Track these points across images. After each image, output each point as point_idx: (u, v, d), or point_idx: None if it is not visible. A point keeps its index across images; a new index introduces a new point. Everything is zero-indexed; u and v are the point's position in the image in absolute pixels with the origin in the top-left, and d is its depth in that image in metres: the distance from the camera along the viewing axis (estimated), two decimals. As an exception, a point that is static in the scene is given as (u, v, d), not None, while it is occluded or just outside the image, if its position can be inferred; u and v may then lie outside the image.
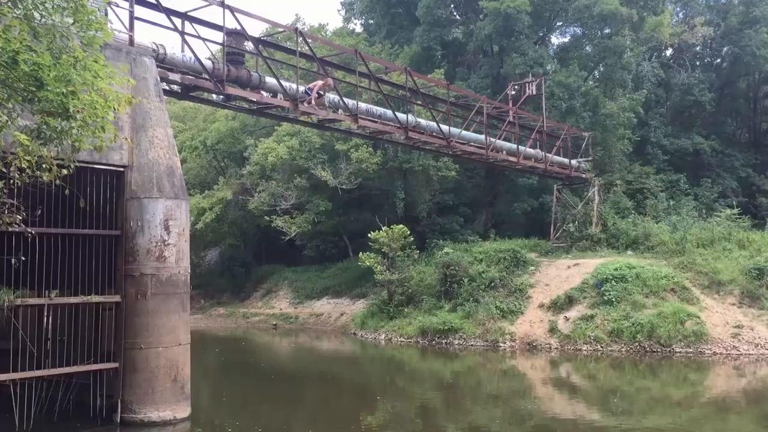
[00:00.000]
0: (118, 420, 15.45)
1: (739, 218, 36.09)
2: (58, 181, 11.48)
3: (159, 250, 16.02)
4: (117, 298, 15.88)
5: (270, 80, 21.73)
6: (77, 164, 12.11)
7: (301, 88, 22.51)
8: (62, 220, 15.93)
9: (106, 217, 16.38)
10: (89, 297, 15.76)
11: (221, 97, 21.43)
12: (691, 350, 26.89)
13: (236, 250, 52.39)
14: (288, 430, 15.72)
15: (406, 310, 35.07)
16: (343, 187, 40.44)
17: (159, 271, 15.98)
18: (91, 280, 16.08)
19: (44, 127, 10.30)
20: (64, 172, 11.31)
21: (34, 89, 9.81)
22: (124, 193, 16.12)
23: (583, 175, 39.12)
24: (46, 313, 16.33)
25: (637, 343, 27.77)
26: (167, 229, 16.18)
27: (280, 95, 22.08)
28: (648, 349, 27.45)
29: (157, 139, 16.43)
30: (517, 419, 17.44)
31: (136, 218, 15.98)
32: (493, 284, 33.24)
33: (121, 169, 16.08)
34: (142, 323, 15.75)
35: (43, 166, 10.87)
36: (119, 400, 15.56)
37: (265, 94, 21.75)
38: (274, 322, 43.48)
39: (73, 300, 15.82)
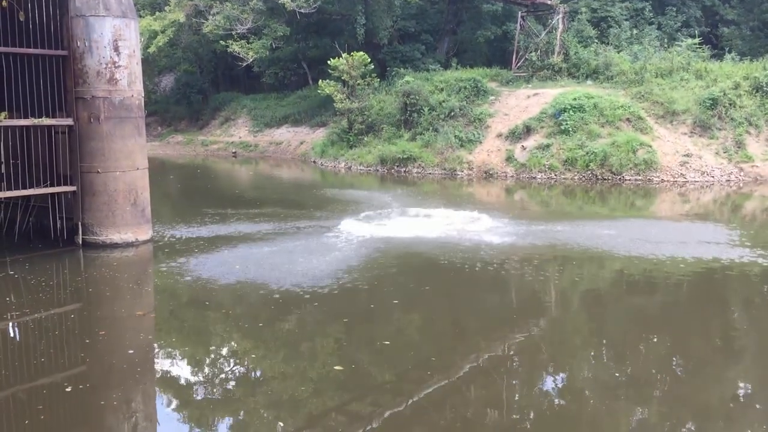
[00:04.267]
0: (80, 242, 15.71)
1: (699, 48, 36.05)
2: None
3: (110, 72, 15.50)
4: (69, 122, 15.56)
5: None
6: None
7: None
8: (4, 39, 15.16)
9: (51, 37, 15.64)
10: (40, 120, 15.39)
11: None
12: (640, 178, 27.86)
13: (192, 77, 50.96)
14: (254, 255, 16.09)
15: (365, 138, 35.19)
16: (302, 10, 38.84)
17: (111, 93, 15.56)
18: (41, 102, 15.64)
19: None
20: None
21: None
22: (69, 11, 15.29)
23: (548, 2, 38.09)
24: (-4, 136, 15.98)
25: (589, 172, 28.62)
26: (117, 50, 15.57)
27: None
28: (600, 177, 28.35)
29: (99, -49, 15.34)
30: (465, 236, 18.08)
31: (83, 38, 15.28)
32: (452, 114, 33.28)
33: (63, -16, 15.14)
34: (97, 147, 15.58)
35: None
36: (80, 223, 15.74)
37: None
38: (233, 150, 43.42)
39: (23, 122, 15.45)
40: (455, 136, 32.17)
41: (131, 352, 10.00)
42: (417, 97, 33.63)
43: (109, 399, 8.42)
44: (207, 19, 42.85)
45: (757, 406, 8.48)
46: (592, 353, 10.22)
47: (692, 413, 8.33)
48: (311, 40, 44.11)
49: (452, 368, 9.35)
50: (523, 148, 30.64)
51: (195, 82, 50.71)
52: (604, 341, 10.76)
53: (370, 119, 35.51)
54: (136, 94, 16.09)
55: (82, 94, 15.42)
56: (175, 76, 53.21)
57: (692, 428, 8.03)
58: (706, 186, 27.00)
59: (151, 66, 46.99)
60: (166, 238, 17.12)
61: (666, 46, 37.53)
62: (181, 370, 9.63)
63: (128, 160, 15.94)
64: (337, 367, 9.33)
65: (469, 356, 9.80)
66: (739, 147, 28.77)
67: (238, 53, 41.58)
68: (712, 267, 14.51)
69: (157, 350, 10.40)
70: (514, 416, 8.16)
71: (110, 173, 15.68)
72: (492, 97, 34.39)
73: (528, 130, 31.14)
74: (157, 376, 9.45)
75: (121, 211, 15.86)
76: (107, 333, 10.77)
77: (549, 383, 9.12)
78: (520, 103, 33.30)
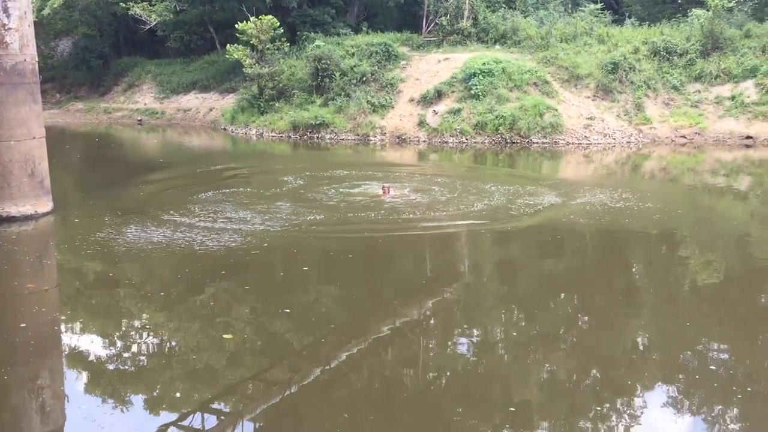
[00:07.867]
0: (-26, 216, 14.87)
1: (602, 13, 37.10)
2: None
3: (-1, 36, 14.58)
4: (-44, 89, 14.58)
5: None
6: None
7: None
8: None
9: (-70, -3, 14.52)
10: None
11: None
12: (547, 141, 28.65)
13: (92, 41, 48.52)
14: (163, 225, 15.62)
15: (277, 104, 34.62)
16: (206, -29, 37.57)
17: (1, 58, 14.66)
18: None
19: None
20: None
21: None
22: (-51, -31, 14.24)
23: (457, -34, 38.18)
24: None
25: (499, 135, 29.20)
26: (6, 12, 14.63)
27: None
28: (509, 140, 28.98)
29: None
30: (378, 205, 18.19)
31: (-34, -2, 14.28)
32: (364, 79, 33.14)
33: (-58, -61, 14.04)
34: (-12, 115, 14.68)
35: None
36: (-28, 196, 14.87)
37: None
38: (138, 118, 41.88)
39: None
40: (367, 101, 32.09)
41: (23, 325, 9.57)
42: (328, 62, 33.26)
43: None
44: (105, -20, 40.84)
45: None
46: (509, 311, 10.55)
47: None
48: (217, 2, 42.67)
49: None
50: (435, 112, 30.90)
51: (95, 47, 48.32)
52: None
53: (280, 84, 34.90)
54: (30, 58, 15.22)
55: (-31, 58, 14.46)
56: (73, 40, 50.53)
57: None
58: (608, 148, 28.06)
59: (46, 29, 44.52)
60: (70, 211, 16.40)
61: (570, 11, 38.47)
62: (80, 343, 9.30)
63: (23, 128, 15.11)
64: (228, 336, 9.25)
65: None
66: (638, 110, 29.97)
67: (140, 16, 39.90)
68: (611, 229, 15.13)
69: (54, 324, 10.00)
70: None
71: (3, 143, 14.85)
72: (403, 62, 34.43)
73: (439, 95, 31.40)
74: (55, 349, 9.10)
75: (17, 183, 15.07)
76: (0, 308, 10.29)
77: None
78: (431, 67, 33.48)
